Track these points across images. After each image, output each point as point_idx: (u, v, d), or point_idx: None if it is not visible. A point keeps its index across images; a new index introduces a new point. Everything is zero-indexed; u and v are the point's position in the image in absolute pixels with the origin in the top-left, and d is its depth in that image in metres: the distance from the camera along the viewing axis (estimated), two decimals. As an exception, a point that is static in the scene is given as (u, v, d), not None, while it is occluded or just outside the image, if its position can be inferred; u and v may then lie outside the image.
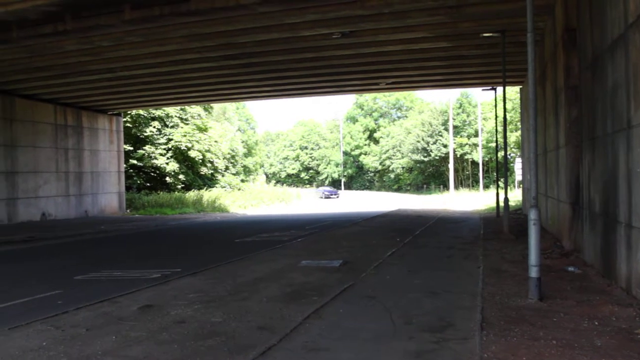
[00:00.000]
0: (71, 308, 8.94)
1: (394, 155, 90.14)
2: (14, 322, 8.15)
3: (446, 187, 72.01)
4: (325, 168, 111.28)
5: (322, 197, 71.82)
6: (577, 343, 6.73)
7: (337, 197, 72.21)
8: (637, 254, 8.56)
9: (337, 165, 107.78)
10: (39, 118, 32.00)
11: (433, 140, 78.39)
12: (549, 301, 8.84)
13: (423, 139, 79.34)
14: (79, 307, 9.02)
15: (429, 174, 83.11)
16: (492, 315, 8.04)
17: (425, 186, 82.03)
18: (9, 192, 29.79)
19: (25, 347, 6.95)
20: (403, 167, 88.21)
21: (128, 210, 40.35)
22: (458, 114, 77.85)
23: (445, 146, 75.71)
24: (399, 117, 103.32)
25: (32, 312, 8.89)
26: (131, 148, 46.76)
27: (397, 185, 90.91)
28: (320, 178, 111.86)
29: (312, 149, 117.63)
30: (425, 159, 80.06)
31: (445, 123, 75.54)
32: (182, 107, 49.46)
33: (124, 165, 41.33)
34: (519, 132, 45.18)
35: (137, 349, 6.81)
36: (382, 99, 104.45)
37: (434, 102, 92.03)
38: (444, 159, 76.33)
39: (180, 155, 49.52)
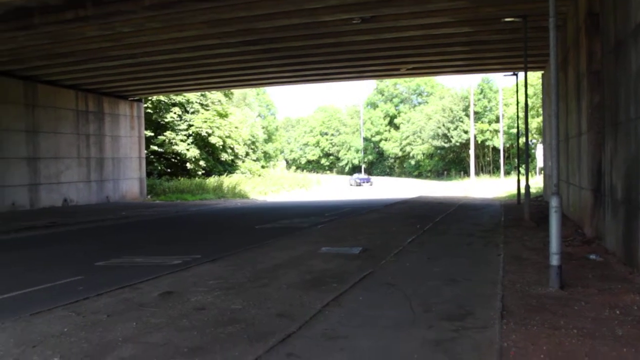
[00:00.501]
0: (92, 294, 9.01)
1: (414, 142, 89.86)
2: (35, 307, 8.23)
3: (467, 173, 71.68)
4: (346, 154, 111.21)
5: (352, 185, 68.51)
6: (598, 332, 6.67)
7: (370, 184, 68.63)
8: (660, 242, 8.45)
9: (357, 151, 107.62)
10: (61, 104, 32.25)
11: (454, 126, 78.02)
12: (570, 289, 8.76)
13: (444, 125, 78.99)
14: (100, 293, 9.09)
15: (450, 160, 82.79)
16: (512, 303, 7.99)
17: (445, 172, 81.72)
18: (31, 177, 30.11)
19: (47, 333, 7.03)
20: (423, 154, 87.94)
21: (149, 196, 40.63)
22: (479, 99, 77.28)
23: (466, 132, 75.31)
24: (419, 103, 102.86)
25: (53, 298, 8.97)
26: (152, 134, 46.99)
27: (418, 171, 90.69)
28: (341, 164, 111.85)
29: (333, 134, 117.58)
30: (446, 145, 79.74)
31: (466, 109, 75.07)
32: (203, 93, 49.64)
33: (145, 151, 41.55)
34: (541, 118, 44.76)
35: (158, 336, 6.85)
36: (402, 85, 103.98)
37: (454, 87, 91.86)
38: (465, 145, 75.91)
39: (201, 141, 49.73)
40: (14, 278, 11.20)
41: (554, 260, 8.92)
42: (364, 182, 68.50)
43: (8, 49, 23.52)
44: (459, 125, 77.24)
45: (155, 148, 47.53)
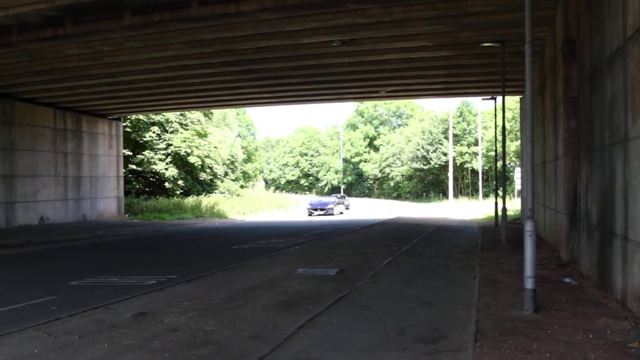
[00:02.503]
0: (64, 314, 8.90)
1: (393, 163, 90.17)
2: (6, 328, 8.12)
3: (445, 195, 72.03)
4: (325, 175, 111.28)
5: (309, 214, 48.27)
6: (570, 356, 6.70)
7: (331, 212, 48.14)
8: (632, 266, 8.53)
9: (336, 172, 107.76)
10: (39, 122, 32.04)
11: (433, 148, 78.45)
12: (544, 313, 8.81)
13: (423, 147, 79.40)
14: (73, 313, 8.98)
15: (429, 182, 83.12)
16: (486, 326, 8.01)
17: (424, 194, 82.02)
18: (7, 195, 29.82)
19: (17, 355, 6.92)
20: (403, 175, 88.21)
21: (126, 215, 40.32)
22: (458, 122, 77.93)
23: (445, 154, 75.76)
24: (399, 125, 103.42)
25: (25, 318, 8.86)
26: (130, 153, 46.77)
27: (397, 193, 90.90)
28: (320, 185, 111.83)
29: (312, 155, 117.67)
30: (425, 167, 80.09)
31: (445, 131, 75.62)
32: (182, 113, 49.47)
33: (123, 170, 41.33)
34: (519, 141, 45.21)
35: (128, 357, 6.78)
36: (382, 107, 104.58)
37: (434, 110, 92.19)
38: (444, 167, 76.35)
39: (180, 160, 49.54)
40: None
41: (529, 284, 8.97)
42: (322, 208, 48.47)
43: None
44: (438, 147, 77.73)
45: (134, 167, 47.24)
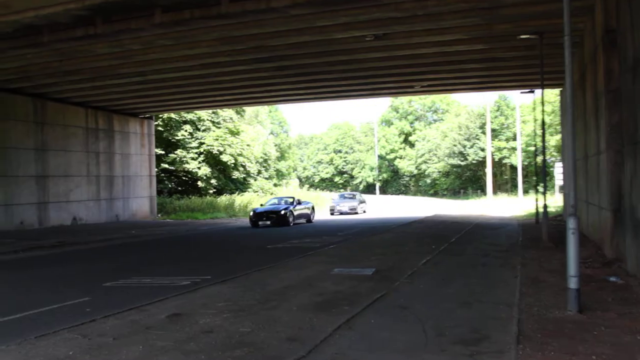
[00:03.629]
0: (99, 316, 9.00)
1: (430, 159, 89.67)
2: (41, 330, 8.25)
3: (484, 192, 71.39)
4: (360, 172, 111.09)
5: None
6: (617, 358, 6.57)
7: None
8: (682, 264, 8.34)
9: (371, 169, 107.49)
10: (70, 121, 32.54)
11: (470, 144, 77.84)
12: (589, 313, 8.65)
13: (460, 143, 78.83)
14: (107, 315, 9.08)
15: (466, 179, 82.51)
16: (529, 327, 7.90)
17: (462, 191, 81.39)
18: (39, 196, 30.31)
19: (52, 356, 7.02)
20: (439, 172, 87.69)
21: (159, 215, 40.75)
22: (496, 116, 77.14)
23: (482, 150, 75.08)
24: (435, 120, 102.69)
25: (60, 320, 8.98)
26: (162, 152, 47.25)
27: (433, 190, 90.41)
28: (355, 182, 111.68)
29: (346, 152, 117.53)
30: (462, 163, 79.51)
31: (482, 126, 74.95)
32: (214, 111, 49.84)
33: (155, 169, 41.73)
34: (560, 135, 44.58)
35: (164, 358, 6.83)
36: (417, 102, 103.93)
37: (470, 104, 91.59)
38: (482, 163, 75.66)
39: (212, 159, 49.90)
40: (21, 299, 11.23)
41: (572, 283, 8.81)
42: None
43: (17, 66, 23.82)
44: (476, 142, 77.06)
45: (166, 166, 47.76)
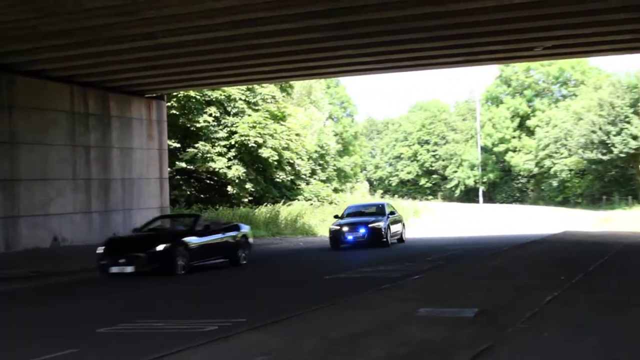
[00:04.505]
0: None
1: (556, 153, 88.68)
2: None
3: (637, 198, 70.18)
4: (455, 171, 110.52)
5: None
6: None
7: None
8: None
9: (472, 167, 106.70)
10: (49, 104, 32.41)
11: (616, 129, 76.64)
12: None
13: (601, 128, 77.69)
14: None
15: (611, 180, 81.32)
16: None
17: (604, 198, 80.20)
18: (6, 207, 29.98)
19: None
20: (570, 170, 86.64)
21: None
22: (655, 90, 75.79)
23: (635, 138, 73.86)
24: (564, 97, 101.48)
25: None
26: (178, 145, 47.34)
27: (562, 196, 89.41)
28: (449, 186, 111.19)
29: (436, 143, 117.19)
30: (605, 158, 78.32)
31: (635, 104, 73.70)
32: (250, 87, 49.86)
33: (168, 170, 41.78)
34: None
35: None
36: (538, 71, 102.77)
37: (617, 73, 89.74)
38: (633, 157, 74.40)
39: (248, 155, 49.84)
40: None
41: None
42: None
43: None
44: (625, 128, 75.86)
45: (183, 165, 47.82)
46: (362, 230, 30.00)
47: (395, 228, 33.32)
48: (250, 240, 28.02)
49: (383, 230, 29.97)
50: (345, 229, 30.69)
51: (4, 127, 29.82)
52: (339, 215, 35.11)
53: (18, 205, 30.35)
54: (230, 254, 25.97)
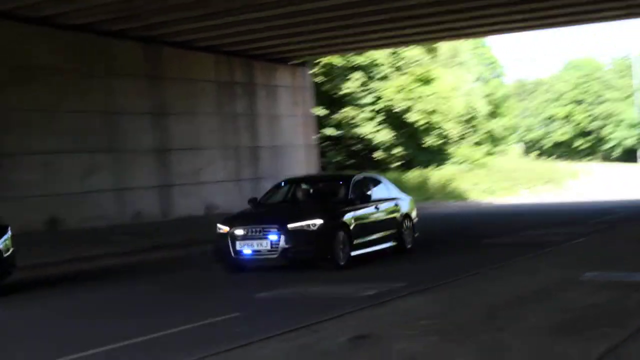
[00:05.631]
0: (255, 338, 9.36)
1: None
2: (178, 355, 8.81)
3: None
4: (613, 132, 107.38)
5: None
6: None
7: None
8: None
9: (631, 126, 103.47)
10: (196, 74, 33.07)
11: None
12: None
13: None
14: (267, 337, 9.43)
15: None
16: None
17: None
18: (160, 176, 30.84)
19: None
20: None
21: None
22: None
23: None
24: None
25: (201, 343, 9.49)
26: (324, 112, 47.49)
27: None
28: (605, 147, 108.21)
29: (592, 103, 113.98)
30: None
31: None
32: (394, 51, 49.56)
33: (315, 136, 41.98)
34: None
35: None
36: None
37: None
38: None
39: (395, 119, 49.68)
40: (148, 313, 12.07)
41: None
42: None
43: (121, 0, 24.39)
44: None
45: (331, 131, 47.99)
46: (273, 238, 16.12)
47: (376, 231, 18.35)
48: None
49: (321, 236, 16.23)
50: (238, 233, 16.44)
51: (154, 98, 30.68)
52: (256, 199, 19.82)
53: (171, 174, 31.18)
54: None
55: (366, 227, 17.82)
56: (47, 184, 25.41)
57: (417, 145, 52.20)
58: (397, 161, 50.61)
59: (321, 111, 46.29)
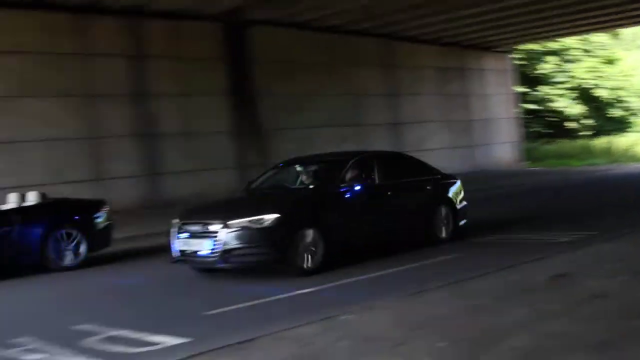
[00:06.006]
0: (468, 276, 9.35)
1: None
2: (410, 287, 8.94)
3: None
4: None
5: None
6: None
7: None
8: None
9: None
10: (420, 62, 34.25)
11: None
12: None
13: None
14: (483, 274, 9.43)
15: None
16: None
17: None
18: (392, 144, 31.56)
19: (429, 315, 7.45)
20: None
21: (525, 163, 40.72)
22: None
23: None
24: None
25: (427, 278, 9.63)
26: (524, 89, 46.83)
27: None
28: None
29: None
30: None
31: None
32: (583, 37, 48.08)
33: (516, 110, 41.62)
34: None
35: (553, 325, 6.76)
36: None
37: None
38: None
39: (584, 95, 48.28)
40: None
41: None
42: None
43: (361, 5, 25.49)
44: None
45: (530, 106, 47.31)
46: (214, 236, 10.57)
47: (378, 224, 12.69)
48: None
49: (273, 234, 10.56)
50: (182, 228, 11.30)
51: (388, 83, 32.52)
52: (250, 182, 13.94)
53: (402, 143, 31.98)
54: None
55: (358, 219, 12.03)
56: (303, 153, 26.62)
57: (604, 116, 50.54)
58: (587, 130, 49.09)
59: (522, 89, 45.67)
